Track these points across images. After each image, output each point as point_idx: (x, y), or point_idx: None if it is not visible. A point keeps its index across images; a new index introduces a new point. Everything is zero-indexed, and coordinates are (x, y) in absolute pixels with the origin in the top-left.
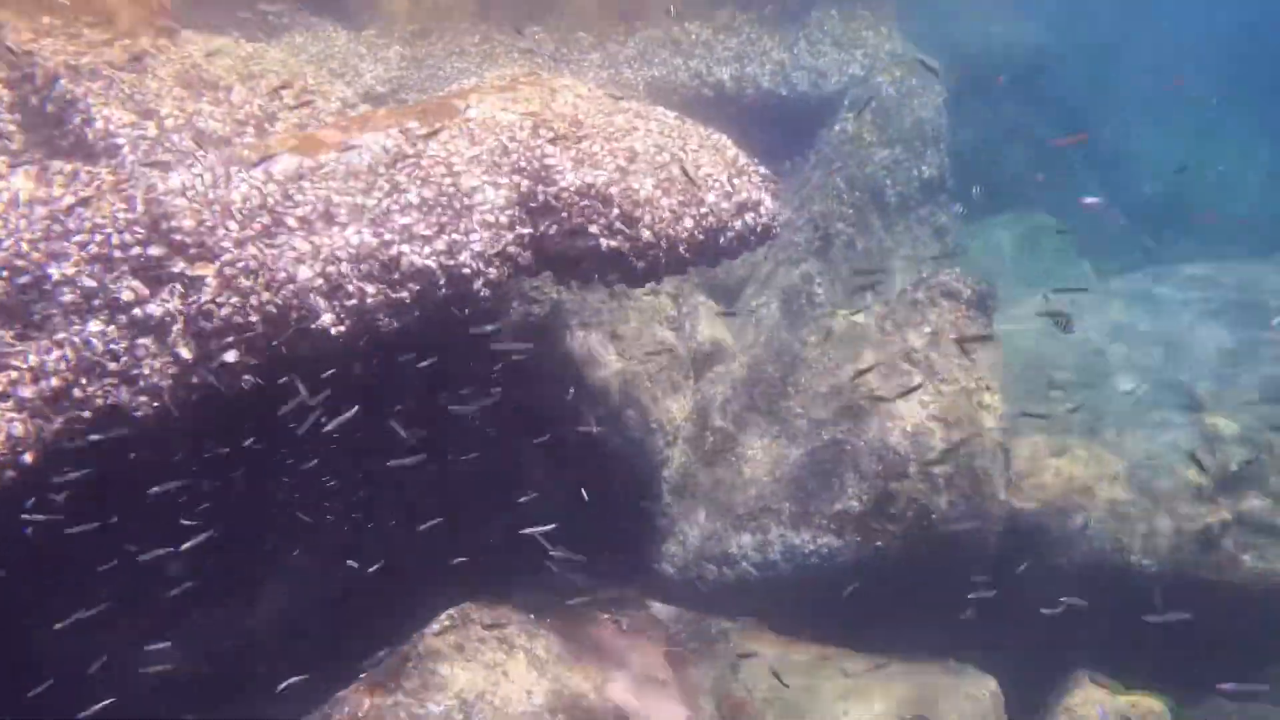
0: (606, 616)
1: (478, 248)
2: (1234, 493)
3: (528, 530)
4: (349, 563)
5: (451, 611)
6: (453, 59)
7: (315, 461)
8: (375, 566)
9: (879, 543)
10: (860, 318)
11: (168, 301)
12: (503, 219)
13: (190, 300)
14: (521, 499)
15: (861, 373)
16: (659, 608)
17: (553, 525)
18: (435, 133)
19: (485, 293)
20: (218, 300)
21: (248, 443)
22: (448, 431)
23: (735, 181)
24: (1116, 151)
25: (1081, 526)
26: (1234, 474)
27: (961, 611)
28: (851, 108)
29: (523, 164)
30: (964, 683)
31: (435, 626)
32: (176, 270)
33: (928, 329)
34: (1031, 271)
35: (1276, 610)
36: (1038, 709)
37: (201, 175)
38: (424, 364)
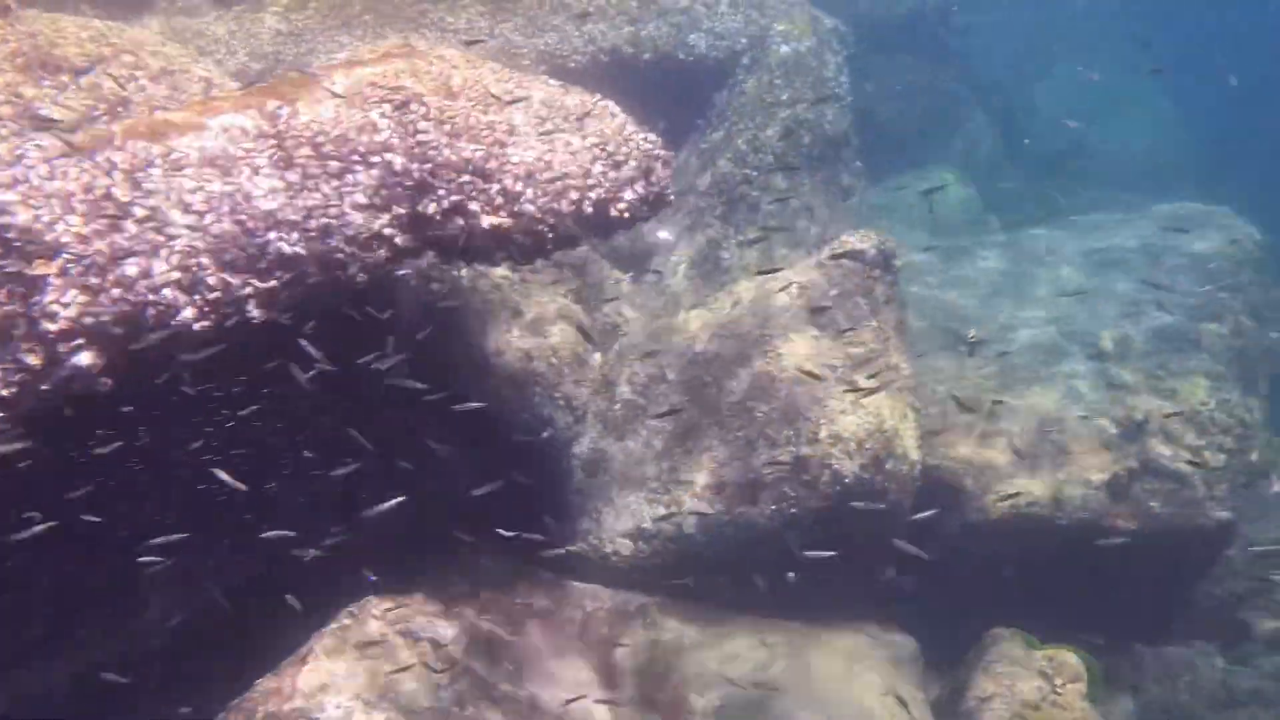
0: (521, 601)
1: (350, 231)
2: (1140, 441)
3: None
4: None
5: (351, 608)
6: (332, 32)
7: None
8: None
9: (794, 510)
10: (766, 282)
11: (5, 305)
12: (376, 200)
13: (32, 302)
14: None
15: (768, 337)
16: (575, 587)
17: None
18: (297, 111)
19: (362, 278)
20: (63, 301)
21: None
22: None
23: (624, 150)
24: (1021, 106)
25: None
26: (1138, 422)
27: (881, 573)
28: (751, 68)
29: (395, 141)
30: (885, 644)
31: (334, 625)
32: (12, 271)
33: (834, 292)
34: (938, 226)
35: (1185, 555)
36: (959, 666)
37: (36, 167)
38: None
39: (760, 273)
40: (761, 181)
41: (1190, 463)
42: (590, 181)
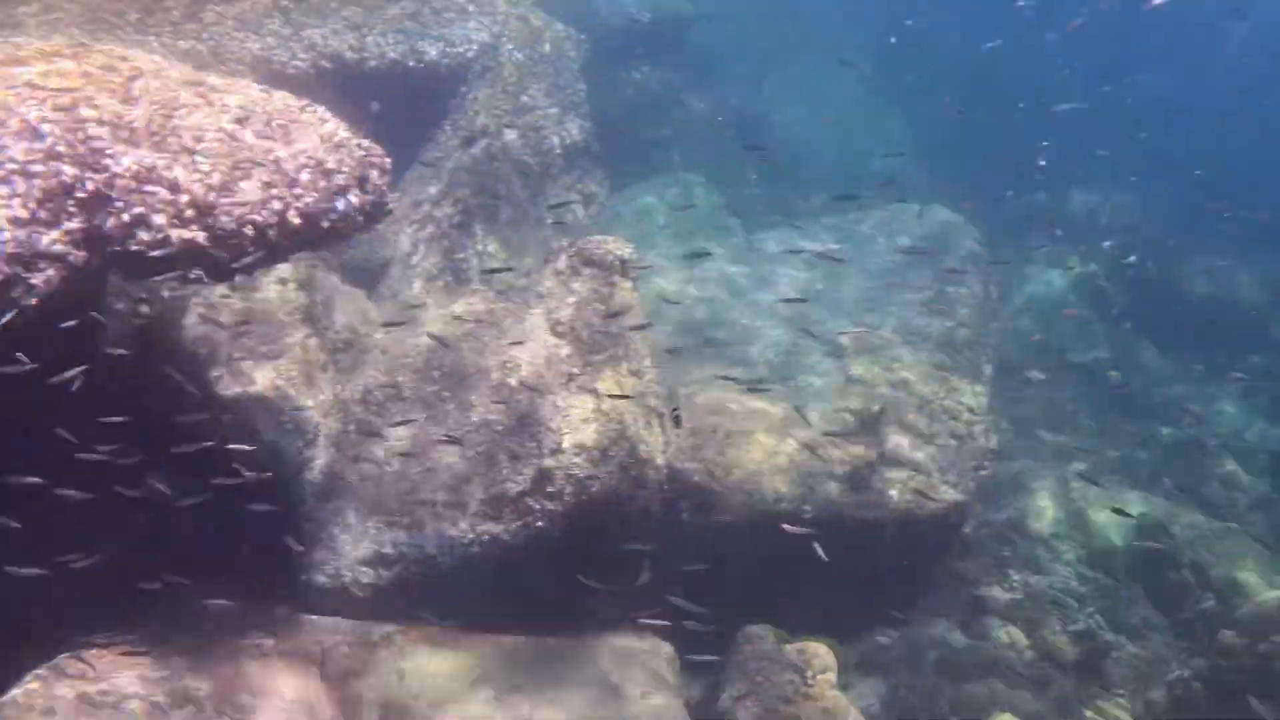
0: (250, 642)
1: (9, 249)
2: (877, 433)
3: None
4: None
5: (40, 670)
6: (6, 31)
7: None
8: None
9: (540, 523)
10: (504, 291)
11: None
12: (41, 213)
13: None
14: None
15: (506, 349)
16: (314, 621)
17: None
18: None
19: (31, 301)
20: None
21: None
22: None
23: (334, 157)
24: (761, 113)
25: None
26: (876, 414)
27: (635, 579)
28: (484, 75)
29: (62, 148)
30: (640, 651)
31: (17, 690)
32: None
33: (572, 300)
34: (682, 232)
35: (924, 538)
36: (715, 667)
37: None
38: None
39: (496, 275)
40: (499, 190)
41: (916, 456)
42: (297, 191)
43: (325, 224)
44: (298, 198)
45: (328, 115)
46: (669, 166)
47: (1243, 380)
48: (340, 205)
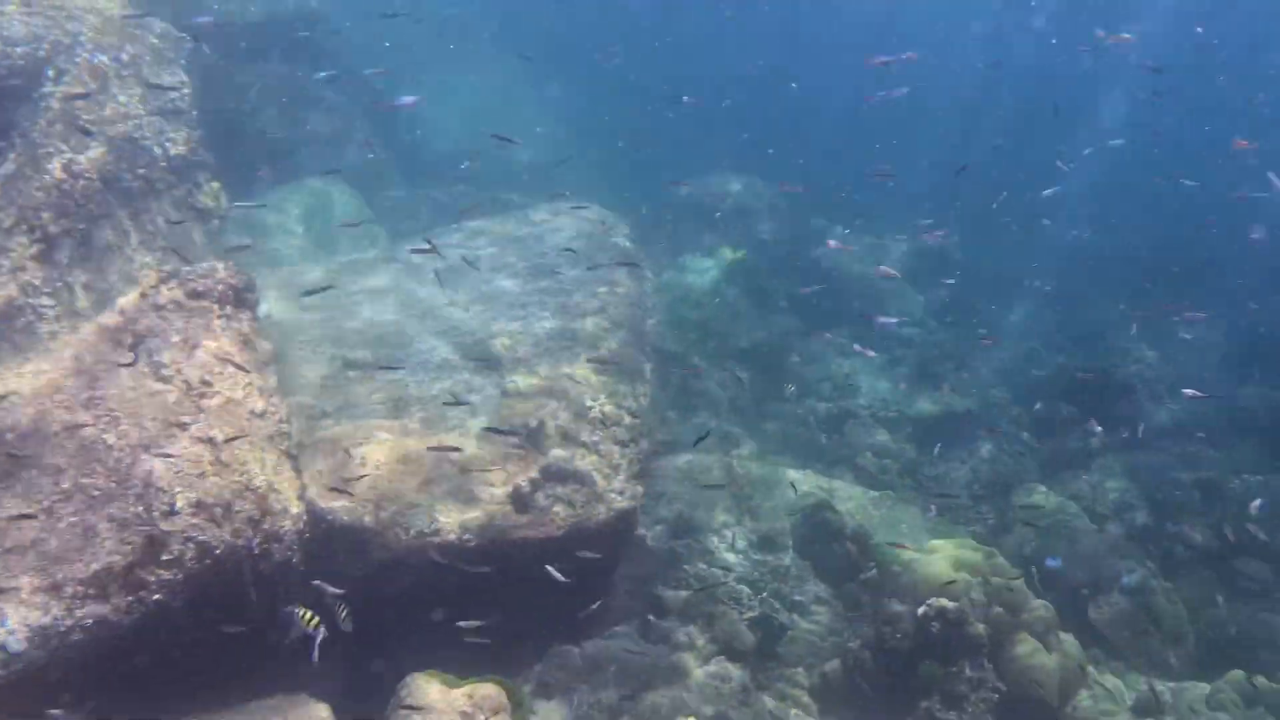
0: None
1: None
2: (538, 447)
3: None
4: None
5: None
6: None
7: None
8: None
9: (157, 596)
10: (92, 335)
11: None
12: None
13: None
14: None
15: (98, 400)
16: None
17: None
18: None
19: None
20: None
21: None
22: None
23: None
24: (405, 114)
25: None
26: (535, 428)
27: (284, 636)
28: (59, 80)
29: None
30: (290, 716)
31: None
32: None
33: (176, 337)
34: (322, 243)
35: (598, 549)
36: None
37: None
38: None
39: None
40: (90, 211)
41: (580, 467)
42: None
43: None
44: None
45: None
46: (309, 170)
47: (887, 353)
48: None
